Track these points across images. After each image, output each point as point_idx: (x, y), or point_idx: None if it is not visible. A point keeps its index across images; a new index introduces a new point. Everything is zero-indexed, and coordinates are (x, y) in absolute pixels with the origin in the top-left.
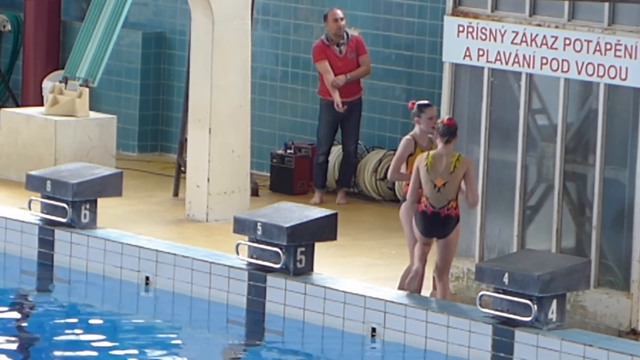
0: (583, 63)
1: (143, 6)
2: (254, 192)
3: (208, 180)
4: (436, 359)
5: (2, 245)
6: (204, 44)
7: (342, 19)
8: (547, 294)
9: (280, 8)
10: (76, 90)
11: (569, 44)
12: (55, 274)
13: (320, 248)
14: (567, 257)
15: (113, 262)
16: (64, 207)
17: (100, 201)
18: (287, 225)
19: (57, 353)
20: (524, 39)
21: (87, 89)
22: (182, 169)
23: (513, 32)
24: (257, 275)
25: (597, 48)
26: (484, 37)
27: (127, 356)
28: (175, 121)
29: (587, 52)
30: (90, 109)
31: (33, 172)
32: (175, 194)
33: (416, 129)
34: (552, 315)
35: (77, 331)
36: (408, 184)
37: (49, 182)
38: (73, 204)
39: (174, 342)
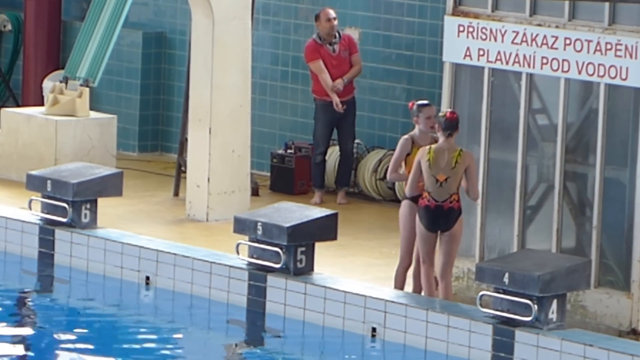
0: (583, 63)
1: (143, 6)
2: (254, 192)
3: (208, 180)
4: (436, 359)
5: (3, 245)
6: (204, 44)
7: (334, 19)
8: (547, 294)
9: (280, 8)
10: (76, 90)
11: (570, 44)
12: (55, 273)
13: (320, 248)
14: (567, 257)
15: (113, 262)
16: (64, 207)
17: (101, 201)
18: (288, 225)
19: (58, 352)
20: (524, 39)
21: (87, 89)
22: (183, 168)
23: (513, 32)
24: (258, 275)
25: (598, 48)
26: (484, 37)
27: (127, 356)
28: (175, 121)
29: (588, 52)
30: (91, 109)
31: (33, 172)
32: (176, 193)
33: (415, 129)
34: (553, 315)
35: (77, 331)
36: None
37: (49, 182)
38: (73, 203)
39: (174, 342)
